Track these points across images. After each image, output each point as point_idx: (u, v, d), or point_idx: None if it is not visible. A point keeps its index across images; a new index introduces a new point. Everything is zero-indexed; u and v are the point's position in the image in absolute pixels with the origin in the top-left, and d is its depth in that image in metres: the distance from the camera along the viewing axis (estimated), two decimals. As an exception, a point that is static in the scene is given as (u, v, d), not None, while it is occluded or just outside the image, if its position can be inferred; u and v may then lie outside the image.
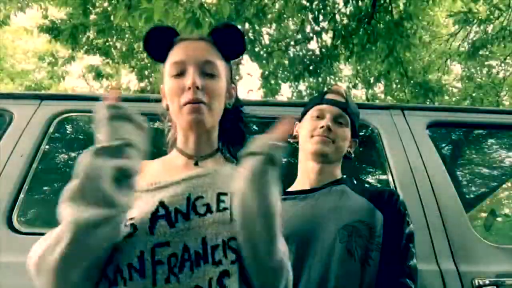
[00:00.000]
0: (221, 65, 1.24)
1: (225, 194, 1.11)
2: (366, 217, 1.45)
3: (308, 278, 1.36)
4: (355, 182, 1.90)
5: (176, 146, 1.29)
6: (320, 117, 1.63)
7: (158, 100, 1.35)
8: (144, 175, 1.17)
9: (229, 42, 1.26)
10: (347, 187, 1.58)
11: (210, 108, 1.18)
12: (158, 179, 1.15)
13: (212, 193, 1.10)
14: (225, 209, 1.07)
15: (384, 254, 1.39)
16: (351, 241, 1.39)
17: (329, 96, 1.68)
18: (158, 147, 1.39)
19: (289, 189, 1.69)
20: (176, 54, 1.22)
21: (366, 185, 2.23)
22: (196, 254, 0.98)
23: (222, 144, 1.33)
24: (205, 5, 4.18)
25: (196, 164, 1.23)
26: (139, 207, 1.05)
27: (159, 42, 1.27)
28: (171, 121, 1.34)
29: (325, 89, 1.79)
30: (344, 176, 1.68)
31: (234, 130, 1.35)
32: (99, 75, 10.09)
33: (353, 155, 1.71)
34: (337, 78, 8.90)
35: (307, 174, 1.64)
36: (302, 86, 8.48)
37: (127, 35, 8.61)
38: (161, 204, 1.05)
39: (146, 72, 9.57)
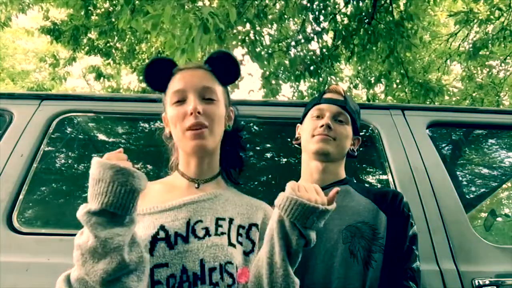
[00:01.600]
0: (219, 90, 1.30)
1: (223, 219, 1.17)
2: (369, 218, 1.44)
3: (311, 279, 1.35)
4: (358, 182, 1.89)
5: (178, 169, 1.33)
6: (319, 116, 1.64)
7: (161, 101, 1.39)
8: (146, 197, 1.21)
9: (225, 69, 1.33)
10: (351, 187, 1.58)
11: (212, 132, 1.23)
12: (160, 202, 1.19)
13: (211, 217, 1.16)
14: (222, 233, 1.13)
15: (387, 256, 1.38)
16: (354, 242, 1.39)
17: (327, 96, 1.69)
18: (156, 146, 1.40)
19: None
20: (176, 84, 1.28)
21: (367, 184, 2.22)
22: (194, 275, 1.01)
23: (222, 167, 1.36)
24: (212, 10, 4.19)
25: (198, 187, 1.27)
26: (141, 230, 1.08)
27: (158, 74, 1.32)
28: (173, 147, 1.40)
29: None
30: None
31: (231, 153, 1.40)
32: (100, 76, 10.10)
33: (356, 153, 1.70)
34: (338, 78, 8.89)
35: (310, 174, 1.63)
36: (303, 87, 8.48)
37: (128, 36, 8.62)
38: (162, 227, 1.09)
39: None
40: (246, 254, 1.18)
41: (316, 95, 1.81)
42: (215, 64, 1.33)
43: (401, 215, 1.46)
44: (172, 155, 1.42)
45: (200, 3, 5.07)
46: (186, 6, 4.56)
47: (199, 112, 1.20)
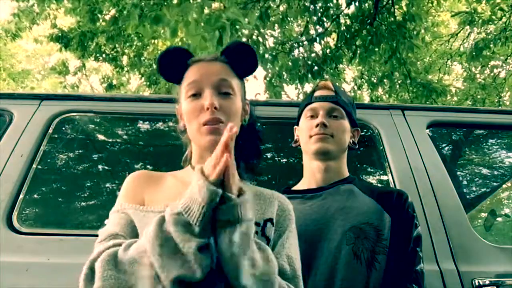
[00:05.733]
0: (235, 84, 1.25)
1: None
2: (373, 219, 1.43)
3: (314, 280, 1.35)
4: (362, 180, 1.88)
5: (190, 164, 1.29)
6: (314, 116, 1.63)
7: (167, 100, 1.34)
8: (159, 191, 1.19)
9: (242, 61, 1.28)
10: (354, 187, 1.57)
11: None
12: (174, 200, 1.14)
13: None
14: None
15: (390, 258, 1.38)
16: (358, 244, 1.38)
17: (318, 93, 1.68)
18: (156, 146, 1.40)
19: (295, 188, 1.68)
20: (191, 76, 1.23)
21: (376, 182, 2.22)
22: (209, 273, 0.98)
23: (237, 160, 1.31)
24: (236, 13, 4.20)
25: None
26: None
27: (173, 64, 1.28)
28: (187, 140, 1.34)
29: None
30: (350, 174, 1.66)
31: (249, 146, 1.35)
32: (110, 86, 10.10)
33: (357, 146, 1.69)
34: (341, 79, 8.89)
35: (312, 174, 1.62)
36: (307, 87, 8.47)
37: (135, 42, 8.63)
38: None
39: (154, 78, 9.55)
40: None
41: (308, 94, 1.80)
42: (232, 56, 1.27)
43: (406, 216, 1.46)
44: (187, 149, 1.37)
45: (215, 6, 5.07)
46: (205, 11, 4.56)
47: (215, 108, 1.15)
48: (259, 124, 1.42)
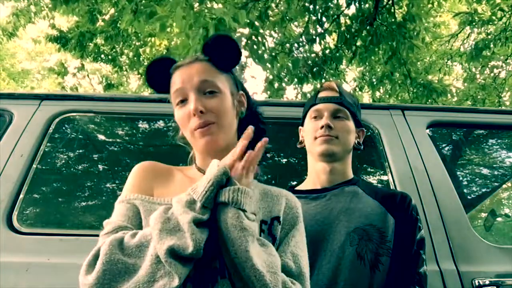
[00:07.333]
0: (220, 80, 1.22)
1: None
2: (377, 221, 1.44)
3: (317, 280, 1.35)
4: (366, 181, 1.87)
5: (195, 163, 1.28)
6: (318, 117, 1.62)
7: (167, 101, 1.33)
8: (169, 185, 1.18)
9: (222, 55, 1.24)
10: (359, 188, 1.57)
11: (220, 126, 1.17)
12: None
13: None
14: None
15: (394, 260, 1.38)
16: (362, 245, 1.39)
17: (322, 94, 1.67)
18: (156, 147, 1.39)
19: (299, 188, 1.68)
20: (174, 83, 1.22)
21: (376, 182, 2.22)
22: (214, 269, 0.99)
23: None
24: (225, 10, 4.19)
25: None
26: None
27: (159, 75, 1.27)
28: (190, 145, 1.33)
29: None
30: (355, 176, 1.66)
31: (255, 134, 1.29)
32: (109, 86, 10.07)
33: (362, 146, 1.68)
34: (342, 80, 8.87)
35: (317, 175, 1.62)
36: (306, 88, 8.46)
37: (133, 42, 8.62)
38: None
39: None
40: None
41: (312, 95, 1.79)
42: (212, 52, 1.24)
43: (409, 219, 1.46)
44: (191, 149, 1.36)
45: (208, 5, 5.05)
46: (195, 8, 4.55)
47: (202, 111, 1.14)
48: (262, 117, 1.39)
